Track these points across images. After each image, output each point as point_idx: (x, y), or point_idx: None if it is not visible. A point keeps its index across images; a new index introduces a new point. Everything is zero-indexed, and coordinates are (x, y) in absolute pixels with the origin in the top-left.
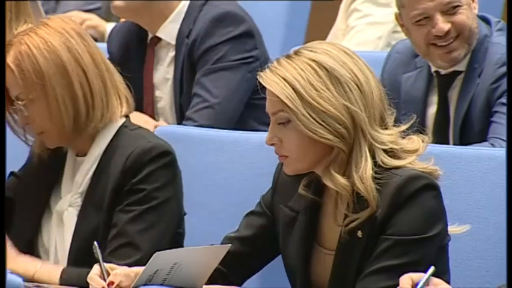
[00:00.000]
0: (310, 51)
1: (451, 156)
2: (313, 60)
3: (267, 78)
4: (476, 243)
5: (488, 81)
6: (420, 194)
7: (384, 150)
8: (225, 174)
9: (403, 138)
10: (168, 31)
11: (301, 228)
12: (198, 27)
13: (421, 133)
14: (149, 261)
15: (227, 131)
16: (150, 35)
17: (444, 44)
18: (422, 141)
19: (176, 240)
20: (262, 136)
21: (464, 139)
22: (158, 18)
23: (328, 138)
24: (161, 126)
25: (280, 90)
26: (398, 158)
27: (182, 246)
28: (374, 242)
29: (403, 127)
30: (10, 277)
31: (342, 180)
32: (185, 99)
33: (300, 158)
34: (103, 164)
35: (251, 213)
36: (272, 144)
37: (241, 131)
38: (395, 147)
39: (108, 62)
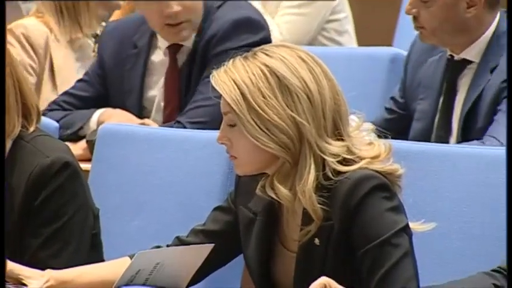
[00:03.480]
0: (267, 55)
1: (437, 154)
2: (266, 66)
3: (218, 79)
4: (462, 243)
5: (500, 78)
6: (370, 196)
7: (337, 160)
8: (171, 173)
9: (370, 143)
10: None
11: (260, 230)
12: (215, 27)
13: (386, 137)
14: (132, 261)
15: (173, 129)
16: (165, 43)
17: None
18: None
19: (94, 243)
20: (208, 135)
21: (466, 134)
22: None
23: (271, 147)
24: (105, 124)
25: (228, 92)
26: (352, 164)
27: (101, 246)
28: (335, 249)
29: (361, 134)
30: None
31: (284, 191)
32: (191, 99)
33: (247, 162)
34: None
35: (219, 208)
36: (223, 144)
37: (187, 129)
38: (349, 157)
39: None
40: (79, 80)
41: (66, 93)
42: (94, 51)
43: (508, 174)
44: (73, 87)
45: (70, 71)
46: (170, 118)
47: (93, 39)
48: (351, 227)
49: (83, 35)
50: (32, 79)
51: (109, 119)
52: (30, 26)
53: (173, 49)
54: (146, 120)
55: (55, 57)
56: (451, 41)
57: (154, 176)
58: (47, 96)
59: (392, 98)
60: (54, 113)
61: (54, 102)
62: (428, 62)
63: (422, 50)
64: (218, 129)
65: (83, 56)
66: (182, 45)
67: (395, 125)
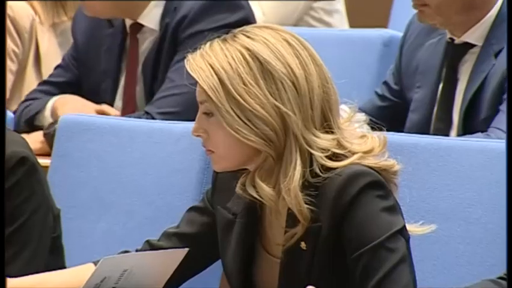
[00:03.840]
0: (248, 37)
1: (436, 148)
2: (247, 49)
3: (194, 64)
4: (466, 246)
5: (506, 63)
6: (362, 195)
7: (326, 155)
8: (140, 170)
9: (362, 137)
10: (152, 17)
11: (240, 233)
12: (186, 7)
13: (380, 129)
14: (96, 268)
15: (142, 120)
16: (129, 21)
17: None
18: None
19: (54, 248)
20: (182, 126)
21: (468, 126)
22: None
23: (252, 140)
24: (65, 115)
25: (205, 79)
26: (342, 160)
27: (62, 250)
28: (323, 254)
29: (353, 127)
30: None
31: (267, 189)
32: (160, 87)
33: (225, 156)
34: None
35: (194, 208)
36: (198, 136)
37: (158, 121)
38: (339, 151)
39: None
40: (56, 67)
41: (43, 81)
42: None
43: (508, 174)
44: (50, 75)
45: (55, 58)
46: (127, 107)
47: None
48: (341, 229)
49: (68, 18)
50: (13, 66)
51: (63, 107)
52: (15, 6)
53: (134, 28)
54: (104, 107)
55: (41, 43)
56: (455, 19)
57: (121, 173)
58: (32, 86)
59: (385, 83)
60: (33, 105)
61: (31, 92)
62: (425, 45)
63: (419, 31)
64: (192, 120)
65: (66, 41)
66: (143, 25)
67: (388, 113)
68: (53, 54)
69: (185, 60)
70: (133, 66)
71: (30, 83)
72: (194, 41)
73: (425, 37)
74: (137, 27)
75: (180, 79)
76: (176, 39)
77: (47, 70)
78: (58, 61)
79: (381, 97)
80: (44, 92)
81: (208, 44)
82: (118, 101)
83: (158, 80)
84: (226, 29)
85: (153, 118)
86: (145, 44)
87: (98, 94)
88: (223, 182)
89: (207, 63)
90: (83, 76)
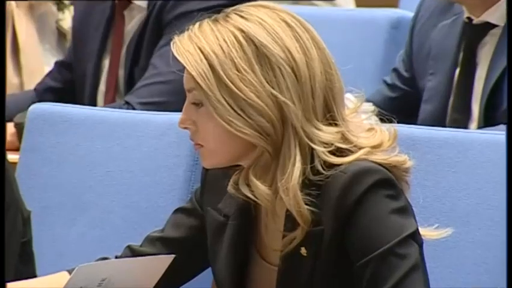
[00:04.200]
0: (242, 17)
1: (453, 142)
2: (241, 31)
3: (181, 47)
4: (486, 253)
5: None
6: (370, 194)
7: (329, 150)
8: (120, 166)
9: (370, 129)
10: None
11: (232, 237)
12: None
13: (390, 121)
14: (70, 276)
15: (122, 111)
16: None
17: None
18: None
19: (24, 254)
20: (167, 118)
21: (489, 117)
22: None
23: (246, 133)
24: (35, 105)
25: (194, 64)
26: (347, 155)
27: (32, 257)
28: (326, 261)
29: (360, 119)
30: None
31: (262, 188)
32: (142, 73)
33: (216, 150)
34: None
35: (181, 209)
36: (186, 128)
37: (139, 111)
38: (344, 146)
39: None
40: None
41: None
42: (57, 22)
43: (508, 174)
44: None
45: (34, 47)
46: (108, 93)
47: (56, 6)
48: (346, 232)
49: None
50: None
51: None
52: None
53: (122, 4)
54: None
55: (19, 30)
56: None
57: (99, 170)
58: (9, 79)
59: (395, 71)
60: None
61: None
62: (438, 26)
63: (431, 11)
64: (179, 111)
65: (44, 26)
66: (131, 1)
67: (399, 104)
68: (32, 42)
69: (171, 43)
70: (117, 47)
71: (8, 75)
72: (181, 23)
73: (438, 17)
74: (125, 2)
75: (165, 66)
76: (161, 20)
77: (26, 61)
78: (37, 49)
79: (391, 86)
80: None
81: (197, 25)
82: (102, 85)
83: (139, 67)
84: (218, 8)
85: (134, 109)
86: (132, 23)
87: (84, 77)
88: (213, 180)
89: (195, 46)
90: (74, 58)
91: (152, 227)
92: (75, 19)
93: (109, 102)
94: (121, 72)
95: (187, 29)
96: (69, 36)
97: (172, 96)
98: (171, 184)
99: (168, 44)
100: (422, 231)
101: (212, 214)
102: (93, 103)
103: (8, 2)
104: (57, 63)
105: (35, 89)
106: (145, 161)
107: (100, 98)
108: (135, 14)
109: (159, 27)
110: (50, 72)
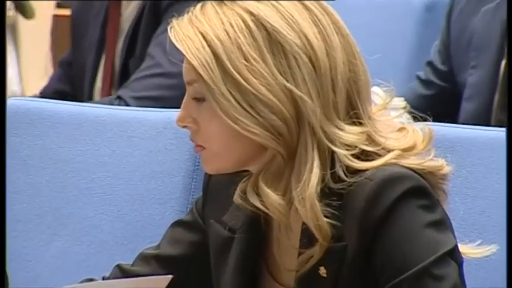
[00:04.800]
0: None
1: (501, 144)
2: (251, 14)
3: (180, 32)
4: None
5: None
6: (401, 205)
7: (353, 154)
8: (109, 172)
9: (401, 129)
10: None
11: (239, 255)
12: None
13: (425, 120)
14: None
15: (112, 107)
16: None
17: None
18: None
19: None
20: (164, 115)
21: None
22: None
23: (256, 133)
24: (11, 100)
25: (195, 51)
26: (374, 159)
27: (6, 279)
28: (349, 283)
29: (390, 118)
30: None
31: (274, 197)
32: (138, 65)
33: (220, 153)
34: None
35: (179, 223)
36: (185, 127)
37: (132, 108)
38: (370, 148)
39: None
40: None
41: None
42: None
43: (508, 175)
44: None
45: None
46: (103, 88)
47: None
48: (373, 250)
49: (12, 14)
50: None
51: None
52: None
53: None
54: None
55: None
56: None
57: (83, 176)
58: None
59: (430, 64)
60: None
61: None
62: (480, 12)
63: None
64: (178, 107)
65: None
66: None
67: (435, 103)
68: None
69: (168, 28)
70: (112, 37)
71: None
72: (182, 6)
73: (480, 1)
74: None
75: (163, 55)
76: (159, 4)
77: None
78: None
79: (425, 83)
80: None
81: (199, 6)
82: (99, 80)
83: (135, 57)
84: None
85: (127, 104)
86: (129, 9)
87: (83, 73)
88: (217, 189)
89: (197, 31)
90: (73, 52)
91: (146, 243)
92: (74, 10)
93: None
94: (118, 65)
95: (188, 12)
96: None
97: (171, 91)
98: (168, 193)
99: (167, 31)
100: (461, 248)
101: (216, 228)
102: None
103: None
104: (61, 63)
105: (40, 93)
106: (138, 166)
107: (97, 94)
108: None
109: (157, 12)
110: (55, 73)
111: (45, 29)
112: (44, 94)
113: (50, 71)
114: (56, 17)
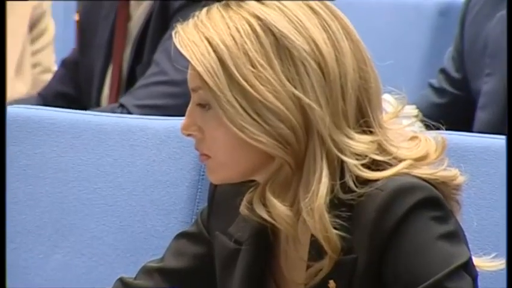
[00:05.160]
0: (258, 1)
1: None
2: (258, 18)
3: (185, 37)
4: None
5: None
6: (413, 216)
7: (364, 163)
8: (110, 182)
9: (413, 138)
10: None
11: (245, 267)
12: None
13: (438, 128)
14: None
15: (114, 115)
16: None
17: None
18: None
19: None
20: (169, 124)
21: None
22: None
23: (263, 142)
24: (10, 108)
25: (200, 57)
26: (385, 169)
27: None
28: None
29: (402, 126)
30: None
31: (281, 208)
32: (144, 71)
33: (226, 162)
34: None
35: (183, 234)
36: (190, 135)
37: (134, 116)
38: (381, 158)
39: None
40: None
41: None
42: None
43: (508, 176)
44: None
45: None
46: (110, 95)
47: None
48: (384, 263)
49: None
50: None
51: None
52: None
53: None
54: None
55: None
56: None
57: (85, 187)
58: None
59: (443, 72)
60: None
61: None
62: (496, 17)
63: (484, 2)
64: (183, 115)
65: None
66: None
67: (449, 112)
68: None
69: (173, 33)
70: (120, 42)
71: None
72: (185, 11)
73: (495, 5)
74: None
75: (169, 62)
76: (167, 10)
77: None
78: None
79: (438, 90)
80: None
81: (205, 11)
82: (107, 88)
83: (142, 63)
84: None
85: (129, 113)
86: (138, 13)
87: (91, 77)
88: (223, 199)
89: (202, 36)
90: (81, 55)
91: (149, 255)
92: (82, 11)
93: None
94: (125, 71)
95: (193, 16)
96: None
97: (176, 99)
98: (172, 204)
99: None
100: (476, 261)
101: (221, 240)
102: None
103: None
104: (64, 63)
105: (38, 94)
106: (141, 175)
107: (104, 101)
108: (142, 1)
109: (165, 17)
110: (57, 73)
111: None
112: (45, 96)
113: None
114: None
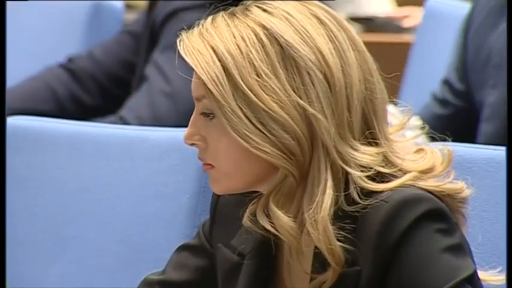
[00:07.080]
0: (264, 10)
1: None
2: (263, 27)
3: (189, 45)
4: None
5: None
6: (418, 229)
7: (368, 175)
8: (111, 194)
9: (419, 150)
10: None
11: (248, 280)
12: None
13: (444, 140)
14: None
15: (114, 127)
16: None
17: None
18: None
19: None
20: (170, 136)
21: None
22: None
23: (267, 152)
24: (10, 119)
25: (204, 66)
26: (390, 181)
27: None
28: None
29: (407, 139)
30: None
31: (285, 220)
32: (138, 83)
33: (229, 172)
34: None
35: (185, 247)
36: (193, 145)
37: (135, 127)
38: (386, 170)
39: None
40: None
41: None
42: None
43: (508, 177)
44: None
45: None
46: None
47: None
48: (388, 275)
49: None
50: None
51: None
52: None
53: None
54: None
55: None
56: None
57: (85, 198)
58: None
59: (446, 83)
60: None
61: None
62: (500, 28)
63: (490, 8)
64: (184, 127)
65: None
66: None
67: (452, 124)
68: None
69: (178, 41)
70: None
71: None
72: (171, 24)
73: (499, 16)
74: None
75: (158, 76)
76: (154, 26)
77: None
78: None
79: (441, 102)
80: None
81: (210, 19)
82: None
83: (136, 76)
84: (207, 6)
85: (129, 125)
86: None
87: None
88: (225, 211)
89: (207, 44)
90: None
91: (150, 268)
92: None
93: None
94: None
95: (198, 24)
96: None
97: (176, 110)
98: (173, 215)
99: (163, 51)
100: (481, 274)
101: (224, 252)
102: None
103: None
104: (125, 31)
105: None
106: (141, 187)
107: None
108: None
109: (152, 31)
110: (115, 37)
111: None
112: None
113: None
114: None
